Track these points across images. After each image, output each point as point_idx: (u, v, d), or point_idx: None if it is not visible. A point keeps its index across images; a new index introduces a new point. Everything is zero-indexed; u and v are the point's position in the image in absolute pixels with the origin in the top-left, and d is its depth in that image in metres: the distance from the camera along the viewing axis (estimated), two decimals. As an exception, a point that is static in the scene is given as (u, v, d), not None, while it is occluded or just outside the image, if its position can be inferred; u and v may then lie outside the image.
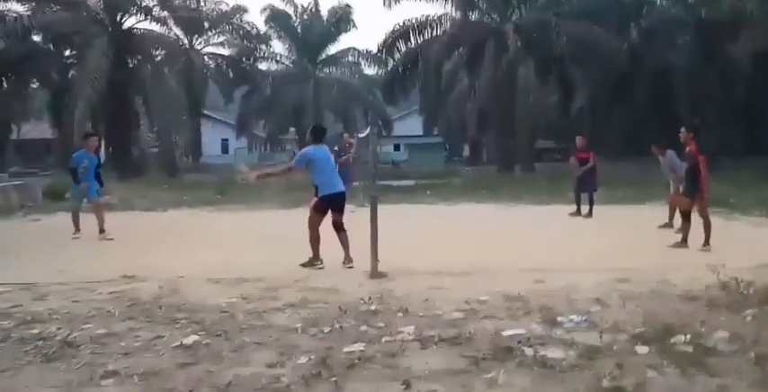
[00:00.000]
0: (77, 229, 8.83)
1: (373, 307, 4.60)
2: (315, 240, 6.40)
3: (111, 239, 8.54)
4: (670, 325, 3.96)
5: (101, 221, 8.77)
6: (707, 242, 7.15)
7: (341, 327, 4.11)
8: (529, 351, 3.54)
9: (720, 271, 4.91)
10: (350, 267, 6.24)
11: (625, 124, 23.98)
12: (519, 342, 3.72)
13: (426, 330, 4.00)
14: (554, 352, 3.53)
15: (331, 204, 6.42)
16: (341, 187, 6.56)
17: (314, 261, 6.41)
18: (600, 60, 23.98)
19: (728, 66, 22.21)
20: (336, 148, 11.45)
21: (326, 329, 4.07)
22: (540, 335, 3.86)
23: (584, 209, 10.86)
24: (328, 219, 6.44)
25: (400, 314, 4.44)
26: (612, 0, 25.12)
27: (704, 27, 22.77)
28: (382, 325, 4.16)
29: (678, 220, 7.96)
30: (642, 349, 3.58)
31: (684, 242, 7.36)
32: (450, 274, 5.83)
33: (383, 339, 3.85)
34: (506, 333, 3.90)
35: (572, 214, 10.88)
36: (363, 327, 4.11)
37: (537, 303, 4.66)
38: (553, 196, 13.55)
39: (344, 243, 6.37)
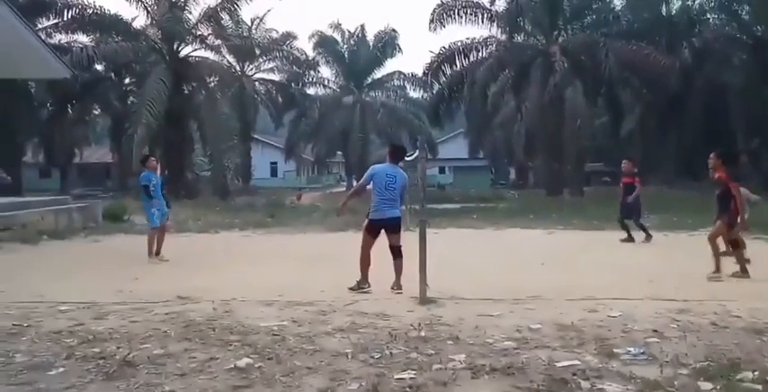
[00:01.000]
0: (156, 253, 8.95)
1: (423, 334, 4.57)
2: (363, 262, 6.42)
3: (167, 261, 8.81)
4: (735, 360, 3.78)
5: (160, 243, 9.03)
6: (717, 269, 7.02)
7: (391, 353, 4.10)
8: (585, 385, 3.44)
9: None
10: (398, 293, 6.23)
11: (678, 146, 23.31)
12: (574, 374, 3.61)
13: (477, 359, 3.94)
14: (611, 386, 3.41)
15: (380, 227, 6.43)
16: (389, 214, 6.42)
17: (361, 284, 6.42)
18: (650, 81, 23.56)
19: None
20: None
21: (376, 355, 4.06)
22: (596, 367, 3.75)
23: (639, 234, 10.55)
24: (385, 243, 6.45)
25: (450, 341, 4.39)
26: (663, 19, 24.73)
27: (761, 45, 22.08)
28: (432, 352, 4.12)
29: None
30: (705, 385, 3.42)
31: (744, 271, 7.06)
32: (500, 301, 5.74)
33: (434, 367, 3.81)
34: (561, 364, 3.80)
35: (623, 240, 10.59)
36: (413, 354, 4.08)
37: (591, 333, 4.53)
38: (603, 221, 13.22)
39: (398, 269, 6.34)
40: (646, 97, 26.71)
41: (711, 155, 7.39)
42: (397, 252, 6.36)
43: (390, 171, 6.44)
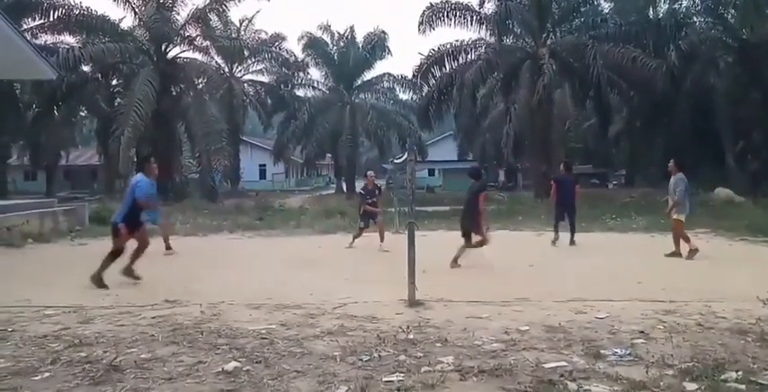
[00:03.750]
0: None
1: (411, 336, 4.58)
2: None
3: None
4: (720, 361, 3.82)
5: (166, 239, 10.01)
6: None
7: (379, 356, 4.10)
8: (572, 386, 3.46)
9: (771, 304, 4.74)
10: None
11: (665, 148, 23.51)
12: (561, 375, 3.64)
13: (466, 361, 3.96)
14: (598, 387, 3.44)
15: None
16: None
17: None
18: (637, 83, 23.76)
19: (772, 88, 21.69)
20: (361, 191, 11.25)
21: (365, 358, 4.07)
22: (582, 369, 3.77)
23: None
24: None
25: (439, 343, 4.40)
26: (650, 22, 24.94)
27: (747, 48, 22.34)
28: (421, 354, 4.14)
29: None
30: (691, 386, 3.46)
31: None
32: (489, 303, 5.77)
33: (422, 369, 3.82)
34: (548, 365, 3.83)
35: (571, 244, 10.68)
36: (402, 357, 4.09)
37: (578, 334, 4.56)
38: (591, 223, 13.32)
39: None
40: (633, 100, 26.95)
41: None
42: None
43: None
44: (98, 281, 6.98)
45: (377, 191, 10.97)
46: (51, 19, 23.92)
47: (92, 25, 24.13)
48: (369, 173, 11.54)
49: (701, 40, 22.81)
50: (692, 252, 8.74)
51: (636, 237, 11.65)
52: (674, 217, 9.00)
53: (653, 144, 25.27)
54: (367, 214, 10.72)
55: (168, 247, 9.98)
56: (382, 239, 10.34)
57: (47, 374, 3.82)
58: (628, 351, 4.09)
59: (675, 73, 21.97)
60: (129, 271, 7.30)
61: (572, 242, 10.59)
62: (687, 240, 8.89)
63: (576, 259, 9.01)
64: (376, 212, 10.76)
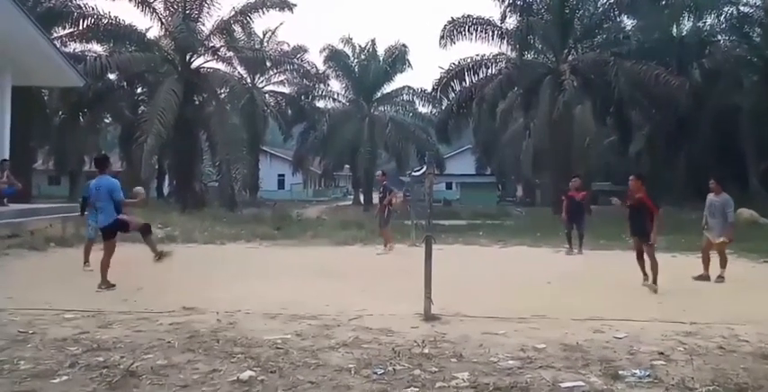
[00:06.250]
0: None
1: (426, 351, 4.55)
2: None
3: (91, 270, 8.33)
4: (742, 386, 3.74)
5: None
6: (654, 281, 7.58)
7: (394, 370, 4.08)
8: (589, 406, 3.41)
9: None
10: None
11: (687, 167, 23.22)
12: (578, 395, 3.59)
13: (481, 377, 3.92)
14: (616, 408, 3.39)
15: None
16: None
17: None
18: (660, 101, 23.55)
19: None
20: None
21: (380, 371, 4.05)
22: (600, 389, 3.72)
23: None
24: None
25: (454, 359, 4.37)
26: (673, 39, 24.79)
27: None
28: (435, 369, 4.11)
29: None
30: (712, 409, 3.39)
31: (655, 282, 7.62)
32: (506, 319, 5.71)
33: (437, 384, 3.80)
34: (565, 385, 3.77)
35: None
36: (417, 371, 4.06)
37: (596, 354, 4.50)
38: (611, 240, 13.15)
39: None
40: (655, 117, 26.69)
41: (631, 178, 8.12)
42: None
43: None
44: (105, 284, 7.19)
45: (386, 192, 11.50)
46: (81, 28, 24.49)
47: (119, 34, 24.68)
48: (378, 172, 12.06)
49: (725, 58, 22.60)
50: (702, 277, 8.44)
51: (657, 257, 11.41)
52: (721, 239, 8.45)
53: (675, 162, 24.96)
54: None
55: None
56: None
57: (65, 377, 3.86)
58: (647, 373, 4.02)
59: (699, 91, 21.77)
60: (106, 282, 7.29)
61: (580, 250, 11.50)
62: (724, 265, 8.50)
63: (595, 277, 8.89)
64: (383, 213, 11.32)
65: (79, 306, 6.10)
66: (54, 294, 6.74)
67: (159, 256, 7.41)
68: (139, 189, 8.86)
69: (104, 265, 7.34)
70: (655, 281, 7.58)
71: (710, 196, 8.71)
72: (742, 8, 23.50)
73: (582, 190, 12.31)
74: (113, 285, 7.25)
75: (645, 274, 7.82)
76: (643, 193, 7.93)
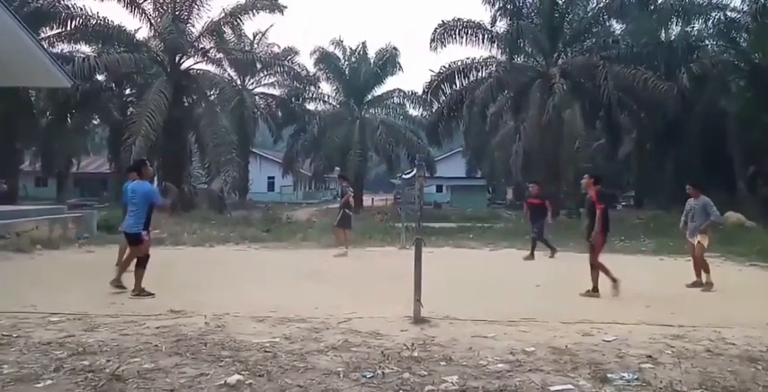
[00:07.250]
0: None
1: (416, 354, 4.54)
2: None
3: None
4: (729, 388, 3.76)
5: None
6: (595, 290, 7.47)
7: (383, 373, 4.07)
8: (578, 409, 3.41)
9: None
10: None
11: (675, 171, 23.40)
12: (567, 398, 3.59)
13: (470, 380, 3.91)
14: (605, 412, 3.39)
15: None
16: None
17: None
18: (648, 105, 23.73)
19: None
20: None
21: (369, 374, 4.03)
22: (589, 392, 3.73)
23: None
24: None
25: (443, 362, 4.36)
26: (662, 44, 25.00)
27: (759, 72, 22.32)
28: (425, 373, 4.10)
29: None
30: (700, 412, 3.40)
31: (595, 291, 7.53)
32: (495, 322, 5.72)
33: (426, 388, 3.78)
34: (554, 388, 3.78)
35: (525, 258, 11.50)
36: (406, 374, 4.05)
37: (585, 357, 4.51)
38: (600, 243, 13.21)
39: None
40: (643, 121, 26.90)
41: (585, 176, 8.16)
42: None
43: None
44: (141, 292, 7.00)
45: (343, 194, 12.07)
46: (69, 28, 24.27)
47: (108, 35, 24.46)
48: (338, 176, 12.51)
49: (712, 62, 22.80)
50: (696, 283, 8.40)
51: (644, 260, 11.53)
52: (699, 240, 8.38)
53: (663, 166, 25.14)
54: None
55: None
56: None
57: (49, 381, 3.81)
58: (635, 376, 4.03)
59: (687, 95, 21.95)
60: (118, 282, 7.28)
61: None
62: (707, 270, 8.43)
63: (584, 280, 8.90)
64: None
65: (65, 309, 6.03)
66: (39, 296, 6.66)
67: (138, 293, 6.93)
68: (171, 185, 8.81)
69: (137, 274, 7.17)
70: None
71: (690, 201, 8.67)
72: (729, 13, 23.71)
73: (541, 196, 12.27)
74: (152, 293, 7.01)
75: (613, 280, 7.58)
76: (594, 192, 7.83)
